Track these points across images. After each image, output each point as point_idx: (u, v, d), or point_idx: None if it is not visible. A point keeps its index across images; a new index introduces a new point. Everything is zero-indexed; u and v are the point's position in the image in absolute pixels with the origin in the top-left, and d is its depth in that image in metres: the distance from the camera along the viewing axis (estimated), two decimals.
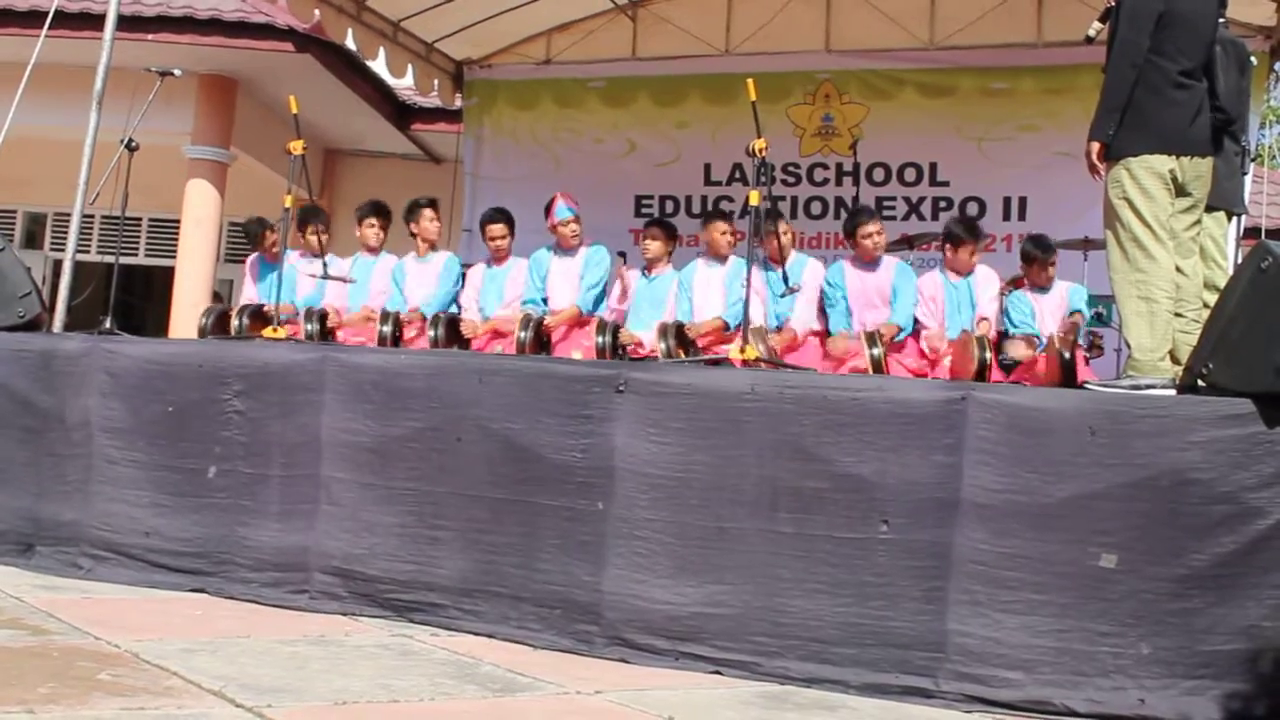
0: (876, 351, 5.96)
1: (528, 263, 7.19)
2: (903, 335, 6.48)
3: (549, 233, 7.17)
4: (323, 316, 7.12)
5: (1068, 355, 5.76)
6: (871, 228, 6.65)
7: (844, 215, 9.08)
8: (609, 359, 6.21)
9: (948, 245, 6.69)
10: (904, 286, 6.57)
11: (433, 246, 7.41)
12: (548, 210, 7.12)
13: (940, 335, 6.38)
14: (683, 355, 6.06)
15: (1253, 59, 5.61)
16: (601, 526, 4.14)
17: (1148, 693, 3.49)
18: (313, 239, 7.43)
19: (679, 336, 6.24)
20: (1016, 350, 6.22)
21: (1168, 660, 3.49)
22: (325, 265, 7.09)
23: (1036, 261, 6.59)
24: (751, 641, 3.89)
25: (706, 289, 6.74)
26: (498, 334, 6.98)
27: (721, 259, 6.81)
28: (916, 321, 6.58)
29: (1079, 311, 6.51)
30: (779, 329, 6.53)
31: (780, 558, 3.90)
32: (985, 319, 6.38)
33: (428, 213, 7.38)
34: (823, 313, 6.77)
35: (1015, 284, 6.89)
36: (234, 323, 7.04)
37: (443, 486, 4.44)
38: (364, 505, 4.56)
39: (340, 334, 7.21)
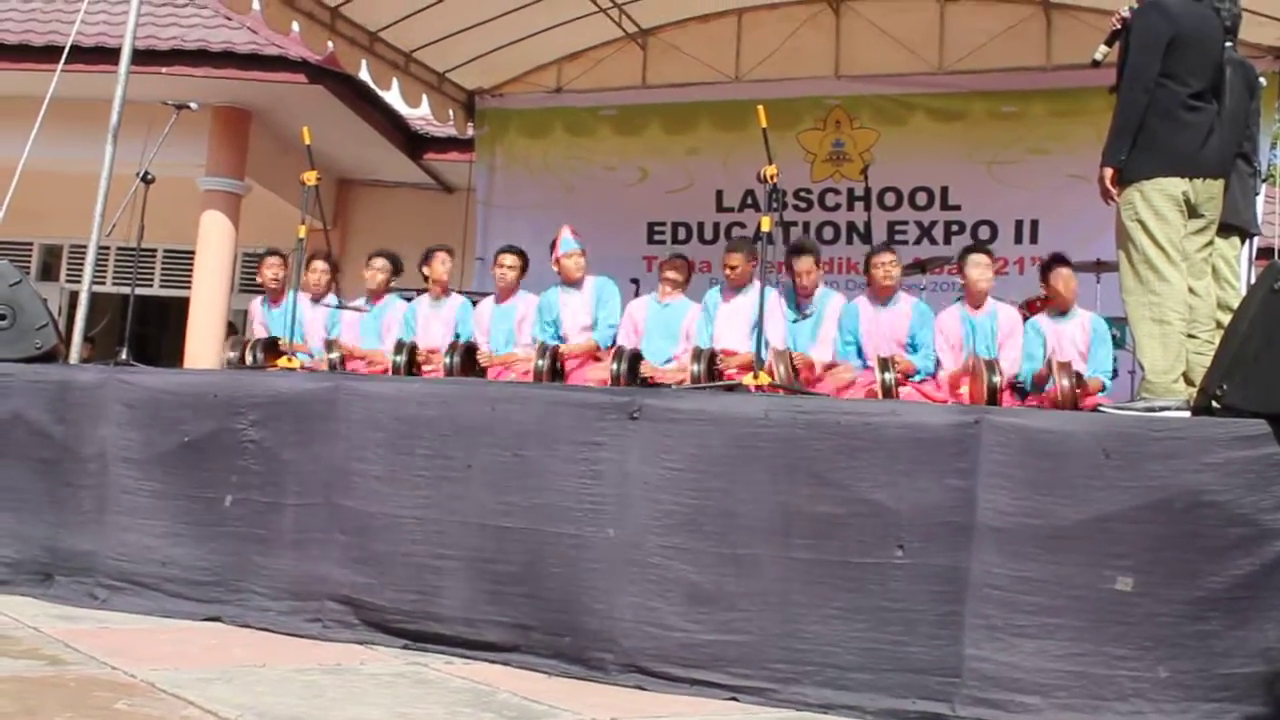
0: (889, 376, 5.94)
1: (536, 303, 7.18)
2: (920, 377, 6.45)
3: (553, 267, 7.18)
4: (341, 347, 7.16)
5: (1067, 384, 5.71)
6: (883, 258, 6.63)
7: (856, 240, 9.14)
8: (624, 385, 6.21)
9: (961, 264, 6.65)
10: (923, 331, 6.53)
11: (445, 290, 7.45)
12: (554, 246, 7.15)
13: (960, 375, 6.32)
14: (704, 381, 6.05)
15: (1262, 80, 5.63)
16: (615, 554, 4.13)
17: (1166, 716, 3.46)
18: (322, 276, 7.51)
19: (710, 364, 6.23)
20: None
21: (1186, 684, 3.46)
22: (338, 298, 7.14)
23: (1053, 272, 6.51)
24: (767, 668, 3.87)
25: (730, 317, 6.73)
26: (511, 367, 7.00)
27: (741, 288, 6.79)
28: (938, 363, 6.54)
29: (1099, 375, 6.33)
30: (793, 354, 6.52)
31: (795, 584, 3.89)
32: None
33: (441, 255, 7.43)
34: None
35: (1030, 308, 6.84)
36: (248, 357, 7.08)
37: (453, 515, 4.44)
38: (375, 533, 4.57)
39: (353, 364, 7.24)
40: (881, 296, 6.64)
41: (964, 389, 6.20)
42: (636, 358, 6.59)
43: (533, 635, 4.24)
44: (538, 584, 4.26)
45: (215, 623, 4.75)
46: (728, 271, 6.77)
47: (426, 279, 7.44)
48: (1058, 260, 6.58)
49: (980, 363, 5.92)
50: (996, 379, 5.79)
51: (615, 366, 6.36)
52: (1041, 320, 6.49)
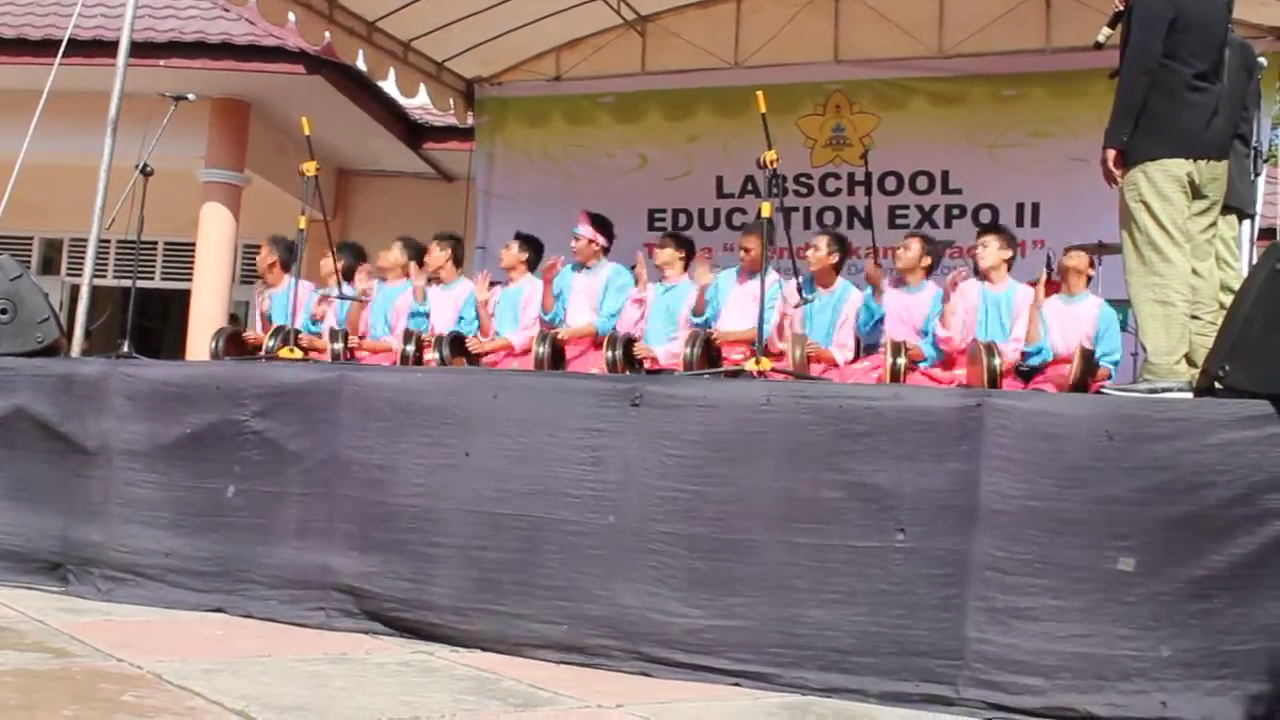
0: (900, 361, 5.93)
1: (540, 287, 7.21)
2: (928, 362, 6.43)
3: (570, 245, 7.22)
4: (346, 336, 7.15)
5: (1082, 367, 5.69)
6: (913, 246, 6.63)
7: (857, 224, 9.12)
8: (620, 373, 6.22)
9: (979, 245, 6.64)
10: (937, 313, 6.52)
11: (451, 275, 7.47)
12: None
13: (960, 338, 6.33)
14: (702, 366, 6.04)
15: (1262, 60, 5.61)
16: (615, 540, 4.14)
17: (1170, 695, 3.47)
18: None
19: (706, 347, 6.23)
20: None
21: (1189, 662, 3.47)
22: (340, 284, 7.13)
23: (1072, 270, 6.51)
24: (769, 653, 3.88)
25: (742, 301, 6.73)
26: (512, 351, 7.01)
27: (755, 272, 6.79)
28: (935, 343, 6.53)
29: (1108, 363, 6.31)
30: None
31: (797, 568, 3.89)
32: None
33: (431, 247, 7.46)
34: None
35: (1049, 287, 6.79)
36: (266, 343, 7.06)
37: (456, 503, 4.45)
38: (378, 522, 4.58)
39: (360, 355, 7.24)
40: (908, 281, 6.64)
41: (961, 370, 6.19)
42: (630, 342, 6.61)
43: (536, 622, 4.24)
44: (540, 571, 4.26)
45: (219, 613, 4.77)
46: (742, 254, 6.79)
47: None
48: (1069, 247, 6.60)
49: (980, 347, 5.90)
50: (996, 361, 5.77)
51: (611, 354, 6.38)
52: (1050, 305, 6.44)
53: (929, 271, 6.64)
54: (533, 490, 4.30)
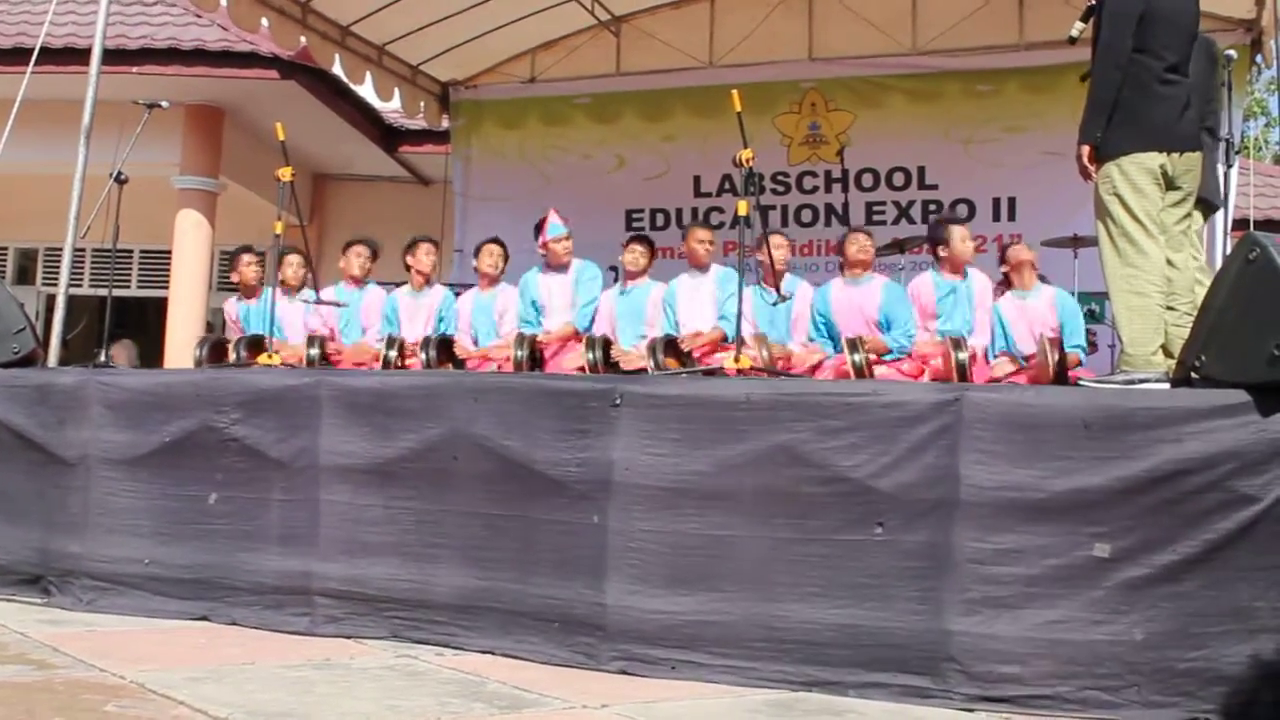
0: (858, 358, 5.92)
1: (517, 292, 7.20)
2: (895, 355, 6.43)
3: (539, 251, 7.18)
4: (323, 342, 7.13)
5: (1051, 357, 5.70)
6: (858, 237, 6.61)
7: (834, 222, 9.16)
8: (600, 374, 6.21)
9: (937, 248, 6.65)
10: (896, 309, 6.43)
11: (427, 280, 7.44)
12: (539, 228, 7.14)
13: (932, 343, 6.34)
14: (674, 366, 6.04)
15: (1230, 52, 5.65)
16: (600, 539, 4.14)
17: (1144, 679, 3.51)
18: (298, 270, 7.49)
19: (669, 349, 6.23)
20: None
21: (1162, 646, 3.52)
22: (316, 293, 7.10)
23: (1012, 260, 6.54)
24: (751, 648, 3.90)
25: (692, 300, 6.75)
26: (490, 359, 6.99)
27: (703, 269, 6.83)
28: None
29: (1077, 349, 6.32)
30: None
31: (778, 563, 3.91)
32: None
33: (425, 246, 7.42)
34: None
35: (1000, 286, 6.84)
36: (231, 354, 7.04)
37: (440, 505, 4.46)
38: (362, 527, 4.57)
39: (339, 360, 7.21)
40: (853, 274, 6.63)
41: (936, 360, 6.19)
42: (607, 344, 6.61)
43: (521, 623, 4.25)
44: (524, 572, 4.27)
45: (203, 621, 4.75)
46: (703, 248, 6.78)
47: (409, 268, 7.42)
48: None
49: (949, 341, 5.91)
50: (964, 355, 5.77)
51: (590, 355, 6.38)
52: (1005, 303, 6.44)
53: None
54: (519, 493, 4.31)
